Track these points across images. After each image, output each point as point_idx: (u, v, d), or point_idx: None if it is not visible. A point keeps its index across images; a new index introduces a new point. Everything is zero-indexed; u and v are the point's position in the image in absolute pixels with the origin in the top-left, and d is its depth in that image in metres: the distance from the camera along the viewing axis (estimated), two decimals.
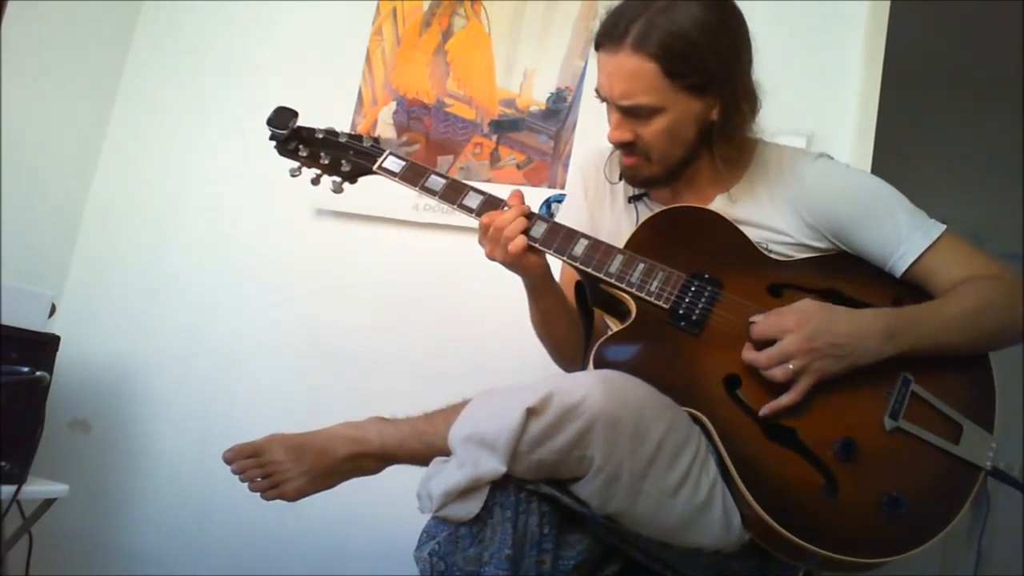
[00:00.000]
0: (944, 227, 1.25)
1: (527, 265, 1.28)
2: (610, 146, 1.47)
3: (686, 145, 1.29)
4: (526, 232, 1.26)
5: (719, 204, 1.34)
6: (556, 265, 1.36)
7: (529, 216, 1.28)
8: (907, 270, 1.23)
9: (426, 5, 2.23)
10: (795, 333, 1.13)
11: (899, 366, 1.18)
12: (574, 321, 1.39)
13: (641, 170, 1.32)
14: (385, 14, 2.25)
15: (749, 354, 1.16)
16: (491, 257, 1.28)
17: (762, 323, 1.17)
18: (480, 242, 1.30)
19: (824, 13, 1.93)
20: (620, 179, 1.43)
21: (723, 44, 1.23)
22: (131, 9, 2.48)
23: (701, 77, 1.22)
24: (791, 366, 1.12)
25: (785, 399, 1.13)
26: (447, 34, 2.20)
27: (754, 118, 1.32)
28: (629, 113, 1.26)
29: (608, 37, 1.24)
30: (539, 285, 1.34)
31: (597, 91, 1.29)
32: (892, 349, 1.15)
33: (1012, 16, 2.81)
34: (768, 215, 1.30)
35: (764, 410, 1.14)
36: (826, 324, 1.14)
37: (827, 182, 1.30)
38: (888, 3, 1.91)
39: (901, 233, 1.24)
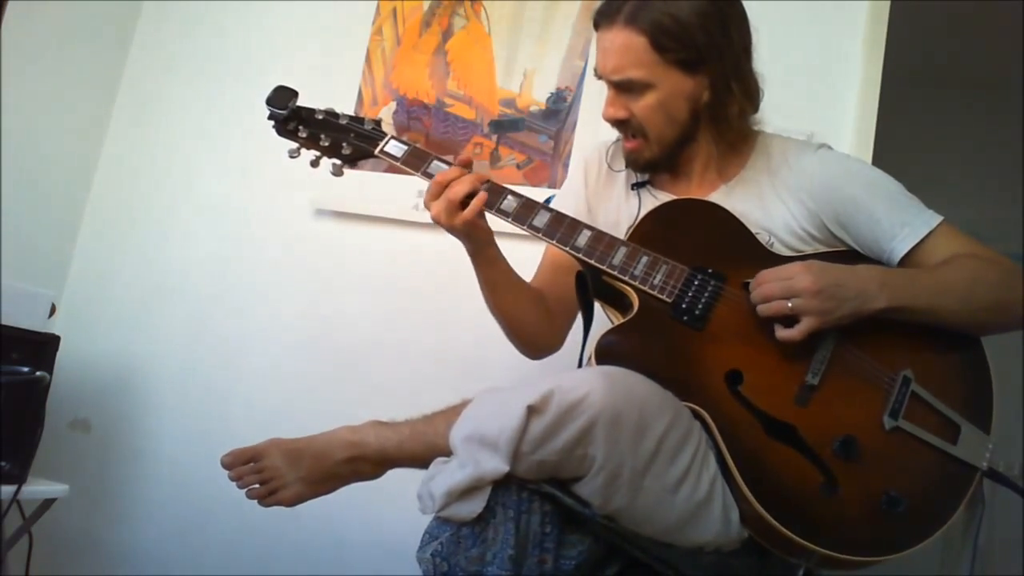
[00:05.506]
0: (942, 218, 1.26)
1: (472, 231, 1.29)
2: (614, 138, 1.47)
3: (680, 125, 1.31)
4: (531, 224, 1.27)
5: (722, 193, 1.35)
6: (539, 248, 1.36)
7: (496, 190, 1.28)
8: (907, 254, 1.24)
9: (426, 5, 2.23)
10: (803, 274, 1.15)
11: (899, 366, 1.18)
12: (525, 295, 1.40)
13: (642, 153, 1.34)
14: (385, 14, 2.25)
15: (759, 290, 1.17)
16: (436, 218, 1.27)
17: (764, 272, 1.18)
18: (426, 204, 1.29)
19: (824, 12, 1.93)
20: (624, 167, 1.44)
21: (714, 25, 1.26)
22: (131, 9, 2.48)
23: (689, 53, 1.25)
24: (790, 304, 1.14)
25: (791, 332, 1.15)
26: (447, 34, 2.20)
27: (752, 106, 1.34)
28: (622, 88, 1.29)
29: (604, 15, 1.28)
30: (482, 252, 1.34)
31: (596, 70, 1.32)
32: (887, 299, 1.16)
33: (1012, 16, 2.82)
34: (770, 203, 1.32)
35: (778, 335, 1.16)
36: (824, 268, 1.17)
37: (829, 167, 1.32)
38: (888, 3, 1.92)
39: (903, 216, 1.25)
